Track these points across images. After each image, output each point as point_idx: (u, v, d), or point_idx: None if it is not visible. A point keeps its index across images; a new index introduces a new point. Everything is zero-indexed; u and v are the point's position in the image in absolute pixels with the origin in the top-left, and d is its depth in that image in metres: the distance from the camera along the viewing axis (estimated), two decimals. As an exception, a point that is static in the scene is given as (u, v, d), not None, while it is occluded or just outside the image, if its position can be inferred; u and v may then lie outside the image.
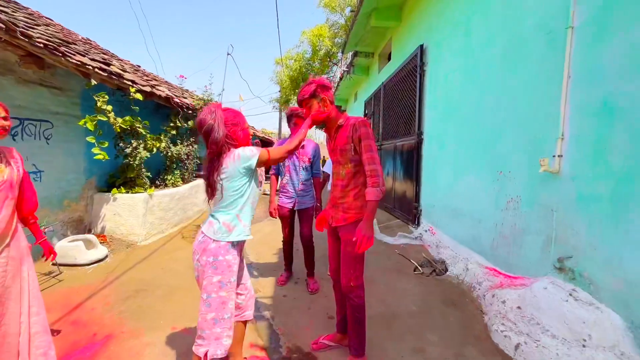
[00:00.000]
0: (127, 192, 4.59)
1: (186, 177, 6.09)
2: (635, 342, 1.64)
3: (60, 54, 3.20)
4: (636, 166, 1.65)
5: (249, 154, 1.59)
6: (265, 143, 15.65)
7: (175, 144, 5.68)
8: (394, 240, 4.61)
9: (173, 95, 5.23)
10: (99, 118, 3.80)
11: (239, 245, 1.67)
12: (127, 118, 4.26)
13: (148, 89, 4.60)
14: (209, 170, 1.59)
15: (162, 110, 6.04)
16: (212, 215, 1.64)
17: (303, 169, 3.00)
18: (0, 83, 3.22)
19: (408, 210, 4.99)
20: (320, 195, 3.17)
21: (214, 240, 1.56)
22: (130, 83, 4.24)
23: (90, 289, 3.07)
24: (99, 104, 3.80)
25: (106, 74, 3.83)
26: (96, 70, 3.68)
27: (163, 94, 4.98)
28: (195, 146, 6.19)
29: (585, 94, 1.96)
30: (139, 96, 4.34)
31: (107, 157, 3.91)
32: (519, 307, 2.26)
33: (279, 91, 20.01)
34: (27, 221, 1.87)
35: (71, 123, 4.07)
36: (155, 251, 4.28)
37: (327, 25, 15.93)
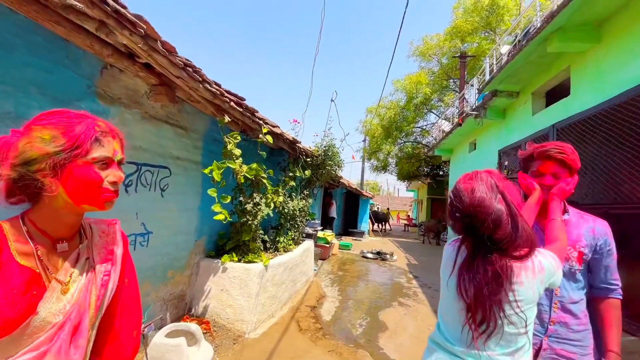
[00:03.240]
0: (240, 261, 3.50)
1: (296, 238, 4.93)
2: None
3: (200, 80, 2.36)
4: None
5: (555, 264, 0.96)
6: (356, 196, 14.44)
7: (291, 198, 4.64)
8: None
9: (298, 139, 4.29)
10: (228, 165, 2.86)
11: None
12: (254, 166, 3.30)
13: (278, 130, 3.69)
14: (488, 289, 0.87)
15: (274, 157, 5.20)
16: None
17: (569, 274, 1.26)
18: (124, 118, 2.47)
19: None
20: (618, 340, 1.35)
21: None
22: (262, 122, 3.35)
23: None
24: (229, 146, 2.89)
25: (241, 109, 2.96)
26: (232, 104, 2.82)
27: (289, 137, 4.05)
28: (310, 200, 5.10)
29: None
30: (269, 139, 3.41)
31: (229, 218, 2.89)
32: None
33: (364, 140, 19.31)
34: None
35: (190, 171, 3.24)
36: (272, 356, 2.94)
37: (425, 72, 15.07)
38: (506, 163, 6.86)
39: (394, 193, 68.74)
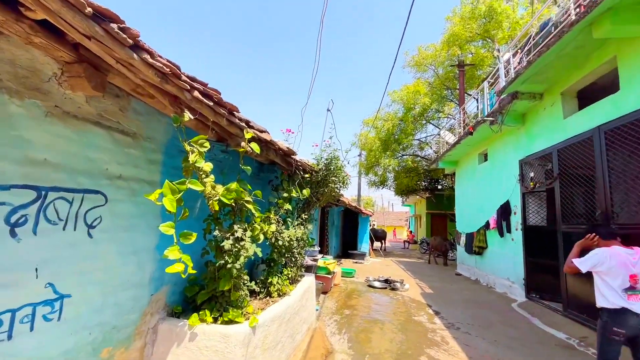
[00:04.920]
0: (216, 320, 2.47)
1: (293, 275, 3.90)
2: None
3: (131, 44, 1.41)
4: None
5: None
6: (354, 214, 13.46)
7: (286, 225, 3.64)
8: None
9: (294, 150, 3.34)
10: (190, 186, 1.87)
11: None
12: (233, 186, 2.32)
13: (267, 136, 2.74)
14: None
15: (264, 174, 4.24)
16: None
17: None
18: (8, 112, 1.50)
19: None
20: None
21: None
22: (244, 125, 2.40)
23: None
24: (191, 158, 1.91)
25: (212, 104, 2.01)
26: (196, 94, 1.87)
27: (283, 147, 3.10)
28: (310, 226, 4.10)
29: None
30: (255, 148, 2.45)
31: (192, 271, 1.88)
32: None
33: (359, 155, 18.52)
34: None
35: (142, 196, 2.25)
36: None
37: (423, 81, 14.49)
38: (531, 175, 6.01)
39: (388, 208, 68.07)
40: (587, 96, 5.11)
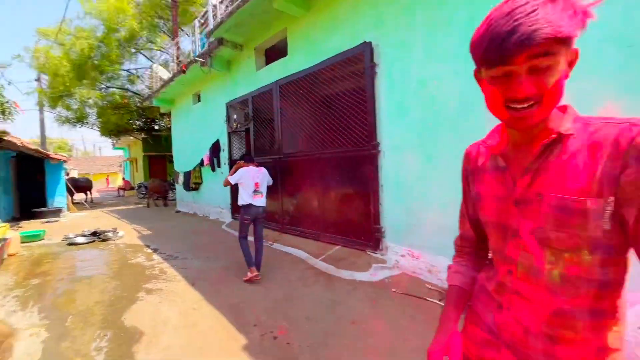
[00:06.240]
0: None
1: None
2: None
3: None
4: None
5: None
6: (38, 161, 9.92)
7: None
8: (371, 275, 3.76)
9: None
10: None
11: None
12: None
13: None
14: None
15: None
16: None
17: None
18: None
19: (363, 234, 4.25)
20: None
21: None
22: None
23: None
24: None
25: None
26: None
27: None
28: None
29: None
30: None
31: None
32: None
33: (37, 79, 13.31)
34: None
35: None
36: None
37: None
38: (235, 117, 7.06)
39: (95, 152, 56.89)
40: (274, 54, 6.51)
